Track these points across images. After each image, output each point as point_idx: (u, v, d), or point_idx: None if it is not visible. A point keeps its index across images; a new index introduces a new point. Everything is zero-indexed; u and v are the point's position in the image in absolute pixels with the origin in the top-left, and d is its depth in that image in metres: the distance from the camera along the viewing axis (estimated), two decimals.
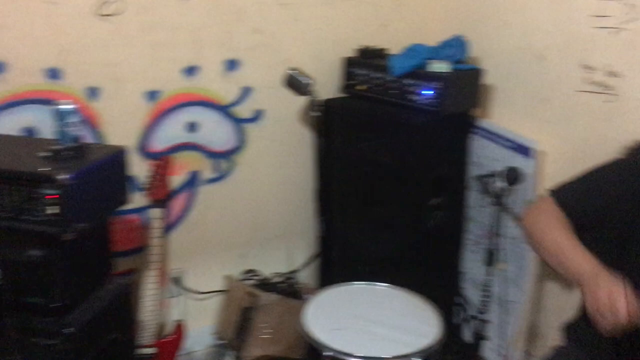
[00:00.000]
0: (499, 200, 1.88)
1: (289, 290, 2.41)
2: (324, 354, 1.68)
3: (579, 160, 2.02)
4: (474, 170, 2.43)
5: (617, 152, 1.62)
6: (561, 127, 2.10)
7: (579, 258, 1.34)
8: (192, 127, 2.23)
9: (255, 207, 2.43)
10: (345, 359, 1.65)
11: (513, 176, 1.80)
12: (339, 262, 2.34)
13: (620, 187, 1.45)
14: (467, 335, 2.49)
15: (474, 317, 2.41)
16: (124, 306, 1.87)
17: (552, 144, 2.13)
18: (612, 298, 1.20)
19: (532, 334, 2.27)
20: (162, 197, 2.10)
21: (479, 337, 2.06)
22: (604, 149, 1.71)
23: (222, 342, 2.36)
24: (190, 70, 2.17)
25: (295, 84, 2.11)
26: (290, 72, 2.12)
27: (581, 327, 1.55)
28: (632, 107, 1.86)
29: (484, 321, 2.03)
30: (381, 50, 2.31)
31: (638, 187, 1.43)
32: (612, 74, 1.91)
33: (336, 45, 2.37)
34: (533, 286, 2.23)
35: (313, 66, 2.28)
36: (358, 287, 1.99)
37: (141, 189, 2.14)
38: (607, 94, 1.93)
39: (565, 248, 1.38)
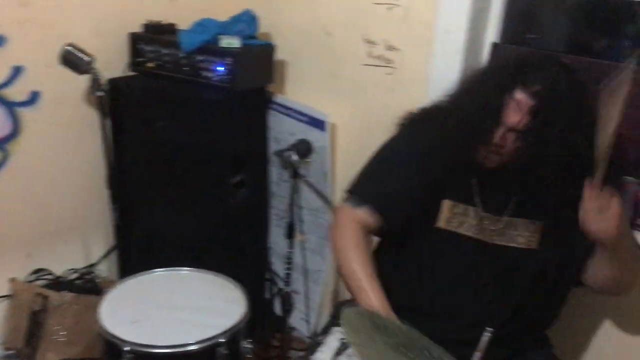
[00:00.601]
0: (295, 173, 1.91)
1: (87, 287, 2.22)
2: (124, 349, 1.57)
3: (367, 131, 2.13)
4: (273, 146, 2.45)
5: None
6: (350, 100, 2.20)
7: (370, 296, 1.46)
8: None
9: (39, 200, 2.19)
10: (146, 352, 1.57)
11: (303, 149, 1.84)
12: (140, 250, 2.21)
13: (415, 167, 1.54)
14: (278, 308, 2.53)
15: (280, 290, 2.47)
16: None
17: (343, 116, 2.22)
18: None
19: (337, 299, 2.38)
20: None
21: (287, 308, 2.10)
22: (388, 119, 1.80)
23: (9, 352, 2.11)
24: None
25: (74, 61, 1.92)
26: (67, 48, 1.92)
27: None
28: (409, 79, 2.00)
29: (290, 293, 2.07)
30: (170, 25, 2.20)
31: (424, 159, 1.53)
32: (391, 47, 2.03)
33: (121, 20, 2.19)
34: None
35: (95, 42, 2.09)
36: (159, 275, 1.90)
37: None
38: (388, 67, 2.06)
39: (361, 282, 1.49)
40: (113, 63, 2.18)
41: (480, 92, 1.35)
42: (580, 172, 1.31)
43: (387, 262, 1.65)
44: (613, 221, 1.26)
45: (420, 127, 1.57)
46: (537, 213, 1.47)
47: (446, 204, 1.52)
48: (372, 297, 1.46)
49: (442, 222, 1.53)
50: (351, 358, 1.52)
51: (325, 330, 1.69)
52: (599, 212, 1.26)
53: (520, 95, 1.29)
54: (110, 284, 2.18)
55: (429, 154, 1.50)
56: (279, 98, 2.35)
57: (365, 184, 1.61)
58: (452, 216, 1.52)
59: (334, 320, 1.66)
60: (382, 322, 1.29)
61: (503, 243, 1.50)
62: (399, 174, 1.56)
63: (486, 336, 1.07)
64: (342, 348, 1.54)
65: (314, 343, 1.67)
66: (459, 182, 1.46)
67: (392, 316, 1.44)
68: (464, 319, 1.53)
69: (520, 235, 1.49)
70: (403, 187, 1.54)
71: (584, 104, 1.35)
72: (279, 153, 2.07)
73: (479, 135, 1.35)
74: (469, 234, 1.51)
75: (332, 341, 1.59)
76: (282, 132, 2.38)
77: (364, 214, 1.56)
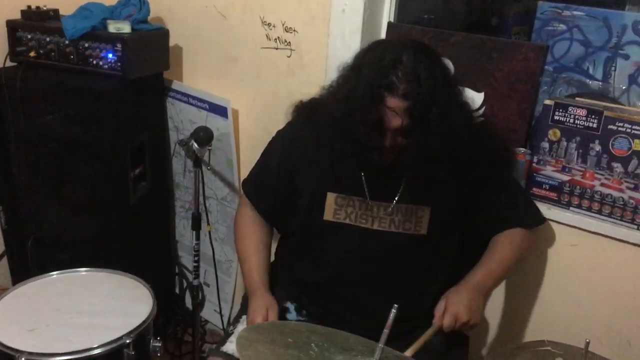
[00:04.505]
0: (197, 162, 1.84)
1: None
2: None
3: (270, 116, 2.10)
4: (175, 136, 2.37)
5: None
6: (251, 84, 2.15)
7: (249, 274, 1.62)
8: None
9: None
10: None
11: (201, 136, 1.77)
12: (33, 254, 2.07)
13: (275, 157, 1.64)
14: (190, 302, 2.46)
15: (190, 283, 2.40)
16: None
17: (244, 102, 2.17)
18: (252, 319, 1.50)
19: None
20: None
21: (197, 301, 2.03)
22: (290, 102, 1.77)
23: None
24: None
25: None
26: None
27: (274, 269, 1.72)
28: (308, 60, 1.98)
29: (200, 285, 2.01)
30: (50, 11, 2.05)
31: (288, 148, 1.61)
32: (289, 29, 2.00)
33: None
34: None
35: None
36: (56, 278, 1.77)
37: None
38: (287, 49, 2.03)
39: (245, 260, 1.65)
40: None
41: (356, 106, 1.34)
42: (463, 150, 1.38)
43: (286, 248, 1.72)
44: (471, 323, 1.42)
45: (301, 121, 1.61)
46: (425, 198, 1.50)
47: (330, 197, 1.53)
48: (249, 275, 1.61)
49: (328, 215, 1.55)
50: None
51: (236, 320, 1.67)
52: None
53: (392, 101, 1.31)
54: (3, 292, 2.03)
55: (296, 148, 1.59)
56: (176, 85, 2.27)
57: (249, 174, 1.73)
58: (338, 208, 1.54)
59: (244, 309, 1.63)
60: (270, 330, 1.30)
61: (392, 229, 1.53)
62: (266, 164, 1.68)
63: (393, 313, 1.08)
64: None
65: (226, 334, 1.63)
66: (346, 176, 1.47)
67: (255, 296, 1.56)
68: (365, 305, 1.55)
69: (408, 221, 1.52)
70: (267, 176, 1.65)
71: (447, 76, 1.40)
72: (182, 142, 1.99)
73: (371, 149, 1.38)
74: (357, 223, 1.53)
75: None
76: (183, 120, 2.30)
77: (249, 203, 1.69)
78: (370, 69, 1.34)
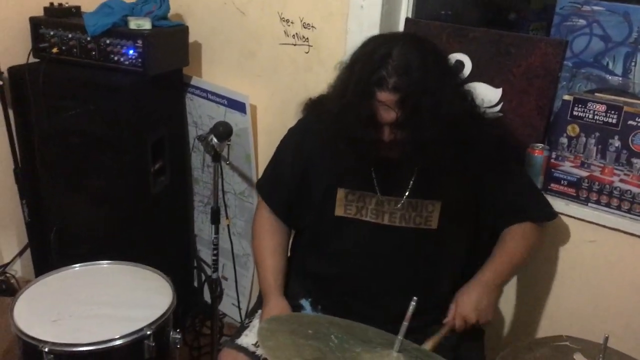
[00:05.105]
0: (217, 157, 1.86)
1: (2, 288, 2.11)
2: (44, 350, 1.49)
3: (288, 111, 2.09)
4: (194, 131, 2.39)
5: None
6: (269, 80, 2.17)
7: (264, 277, 1.63)
8: None
9: None
10: (68, 351, 1.50)
11: (221, 131, 1.79)
12: (56, 246, 2.11)
13: (288, 153, 1.65)
14: (208, 295, 2.49)
15: (209, 277, 2.42)
16: None
17: (262, 97, 2.19)
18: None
19: None
20: None
21: (215, 295, 2.06)
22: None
23: None
24: None
25: None
26: None
27: (292, 262, 1.73)
28: (326, 56, 1.99)
29: (218, 279, 2.03)
30: (72, 8, 2.09)
31: (300, 145, 1.62)
32: (307, 25, 2.01)
33: (20, 3, 2.07)
34: None
35: None
36: (78, 270, 1.80)
37: None
38: (305, 45, 2.04)
39: (261, 263, 1.65)
40: (14, 50, 2.05)
41: (349, 103, 1.35)
42: (467, 141, 1.37)
43: (299, 243, 1.72)
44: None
45: (310, 118, 1.61)
46: (435, 193, 1.50)
47: (341, 192, 1.54)
48: (264, 277, 1.62)
49: (339, 210, 1.55)
50: None
51: (252, 313, 1.69)
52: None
53: (382, 95, 1.30)
54: (26, 283, 2.08)
55: (304, 146, 1.60)
56: (195, 81, 2.29)
57: (262, 174, 1.74)
58: (348, 203, 1.54)
59: (260, 304, 1.65)
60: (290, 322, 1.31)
61: (402, 224, 1.53)
62: (279, 161, 1.68)
63: (412, 305, 1.09)
64: None
65: (241, 327, 1.65)
66: (355, 171, 1.48)
67: (269, 299, 1.58)
68: (376, 299, 1.56)
69: (419, 215, 1.53)
70: (281, 174, 1.65)
71: (441, 66, 1.39)
72: (201, 137, 2.02)
73: (368, 145, 1.37)
74: (367, 218, 1.54)
75: (258, 324, 1.58)
76: (202, 115, 2.32)
77: (266, 206, 1.69)
78: (362, 64, 1.35)
